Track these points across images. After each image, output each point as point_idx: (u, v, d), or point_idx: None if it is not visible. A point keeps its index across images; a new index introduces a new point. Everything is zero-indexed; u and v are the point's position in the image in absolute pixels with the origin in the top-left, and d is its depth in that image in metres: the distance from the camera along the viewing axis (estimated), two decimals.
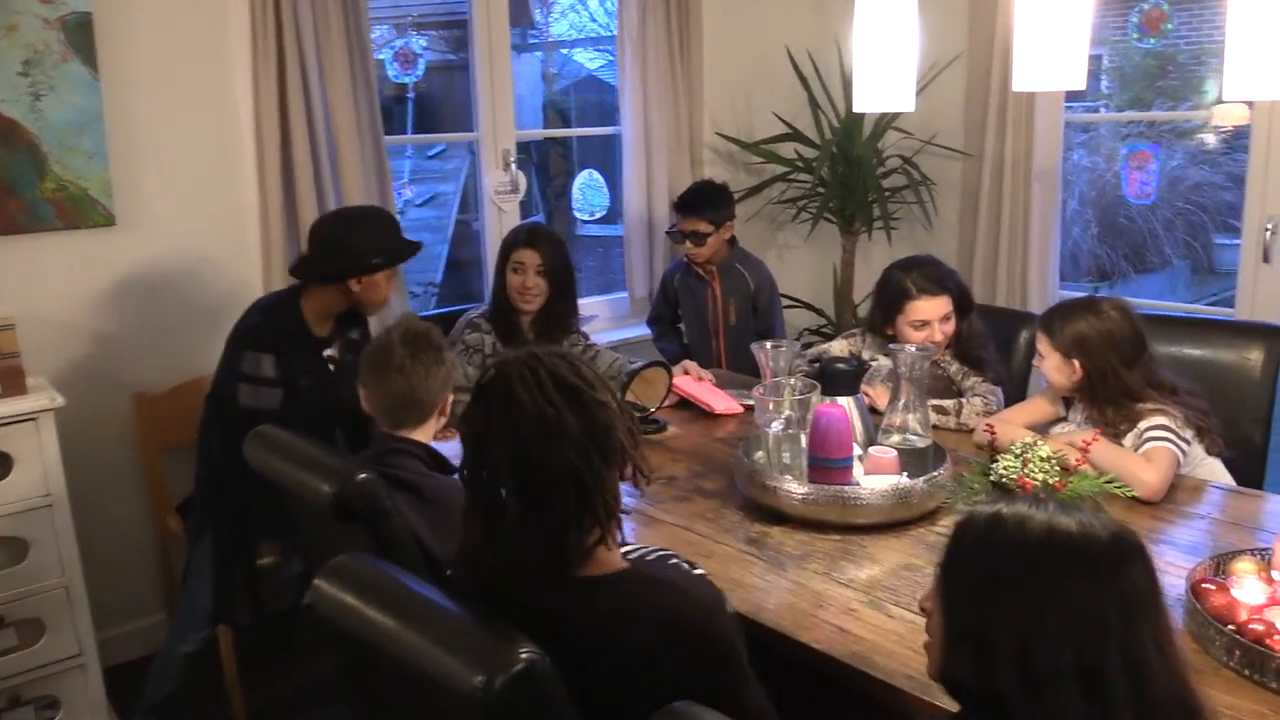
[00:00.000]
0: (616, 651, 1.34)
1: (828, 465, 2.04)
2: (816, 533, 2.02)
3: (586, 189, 4.27)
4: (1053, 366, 2.35)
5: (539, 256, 2.92)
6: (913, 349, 2.20)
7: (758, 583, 1.84)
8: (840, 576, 1.85)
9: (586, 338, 3.13)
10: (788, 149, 4.00)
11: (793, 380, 2.20)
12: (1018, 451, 1.86)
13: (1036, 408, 2.50)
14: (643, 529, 2.09)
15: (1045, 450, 1.85)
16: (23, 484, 2.42)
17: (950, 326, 2.67)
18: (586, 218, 4.37)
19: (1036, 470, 1.82)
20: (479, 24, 3.64)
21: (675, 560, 1.61)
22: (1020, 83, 1.80)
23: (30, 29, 2.68)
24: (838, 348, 2.89)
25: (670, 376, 2.71)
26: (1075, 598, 1.06)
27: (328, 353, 2.64)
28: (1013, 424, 2.42)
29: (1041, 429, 2.47)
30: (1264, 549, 1.74)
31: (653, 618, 1.35)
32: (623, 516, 1.46)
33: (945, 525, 2.03)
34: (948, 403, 2.62)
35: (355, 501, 1.79)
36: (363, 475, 1.81)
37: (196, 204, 3.03)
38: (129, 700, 2.71)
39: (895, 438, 2.24)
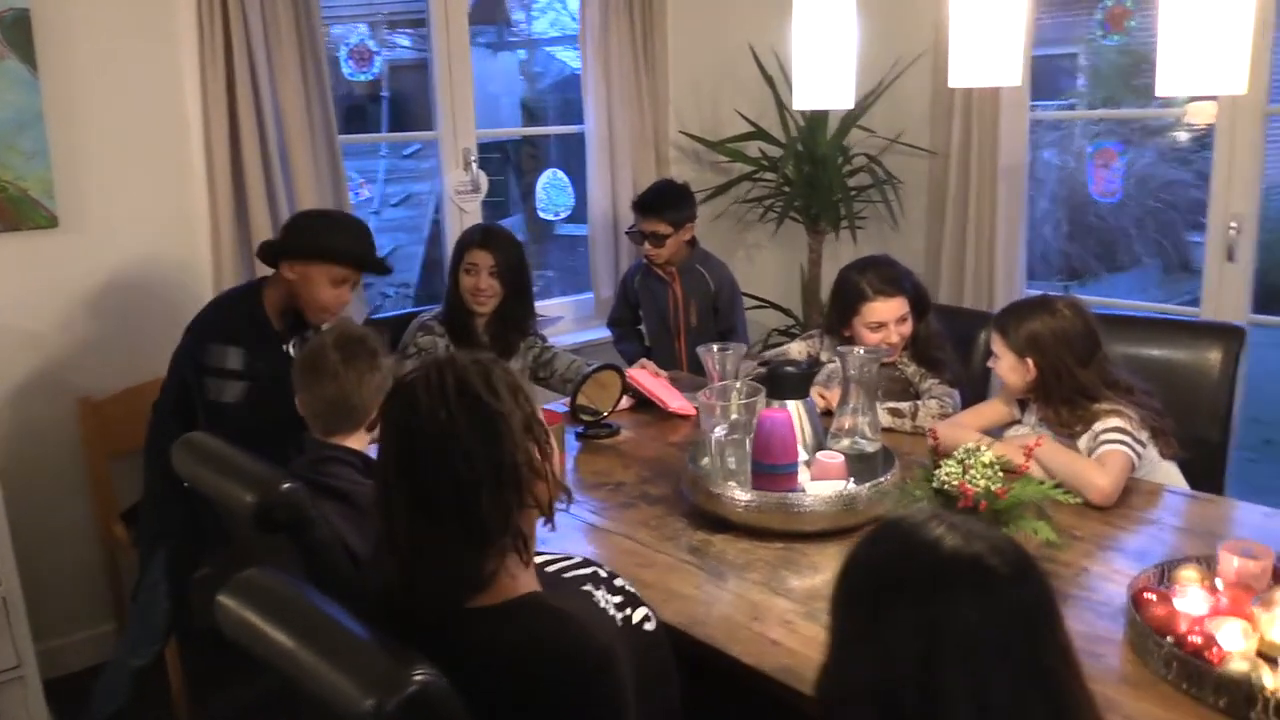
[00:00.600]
0: (499, 683, 1.28)
1: (771, 471, 2.00)
2: (759, 540, 1.97)
3: (551, 188, 4.22)
4: (1007, 366, 2.32)
5: (492, 258, 2.87)
6: (861, 351, 2.17)
7: (696, 594, 1.79)
8: (779, 586, 1.80)
9: (544, 340, 3.08)
10: (754, 148, 3.95)
11: (739, 384, 2.16)
12: (960, 457, 1.82)
13: (991, 410, 2.46)
14: (582, 537, 2.04)
15: (988, 456, 1.81)
16: None
17: (907, 328, 2.63)
18: (552, 217, 4.31)
19: (979, 476, 1.77)
20: (437, 22, 3.59)
21: (593, 577, 1.55)
22: (956, 78, 1.76)
23: None
24: (795, 349, 2.85)
25: (623, 380, 2.66)
26: (926, 618, 1.00)
27: (287, 347, 2.58)
28: (964, 427, 2.38)
29: (996, 432, 2.43)
30: (1209, 556, 1.70)
31: (542, 654, 1.29)
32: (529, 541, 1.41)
33: None
34: (903, 405, 2.58)
35: (278, 511, 1.74)
36: (286, 485, 1.76)
37: (143, 204, 2.97)
38: (73, 714, 2.65)
39: (844, 442, 2.20)
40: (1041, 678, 1.01)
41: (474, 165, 3.69)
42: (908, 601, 1.02)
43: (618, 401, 2.66)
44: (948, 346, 2.66)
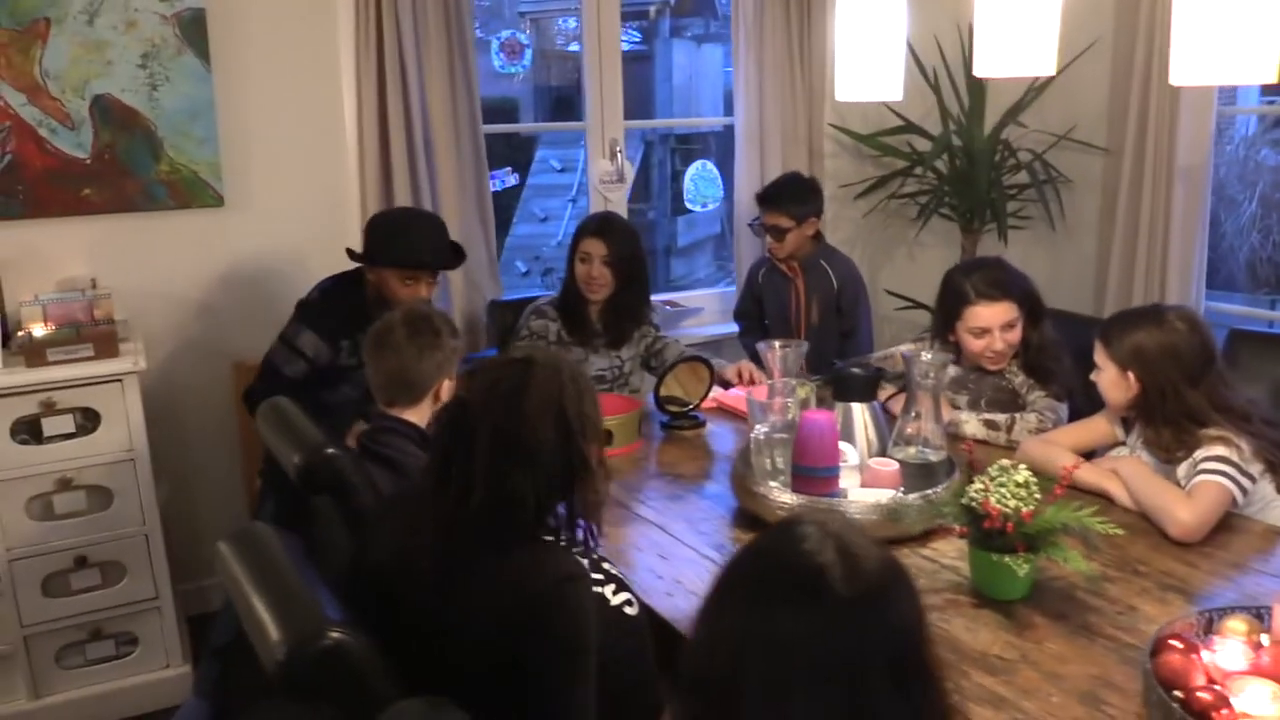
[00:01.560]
0: (470, 620, 1.37)
1: (810, 474, 1.94)
2: None
3: (699, 180, 4.22)
4: (1108, 380, 2.13)
5: (605, 247, 2.92)
6: (927, 355, 2.05)
7: (701, 589, 1.77)
8: None
9: (658, 329, 3.10)
10: (911, 143, 3.79)
11: (794, 382, 2.10)
12: (993, 474, 1.69)
13: (1091, 429, 2.26)
14: (616, 518, 2.05)
15: (1023, 475, 1.67)
16: (109, 439, 2.67)
17: (1014, 335, 2.46)
18: (698, 208, 4.31)
19: (1009, 496, 1.64)
20: (588, 15, 3.66)
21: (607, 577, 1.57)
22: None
23: (148, 24, 2.93)
24: (904, 352, 2.72)
25: (712, 373, 2.64)
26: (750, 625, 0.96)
27: None
28: (1055, 445, 2.21)
29: (1094, 453, 2.24)
30: (1263, 608, 1.51)
31: (508, 582, 1.36)
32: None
33: (935, 548, 1.89)
34: (1000, 417, 2.42)
35: (321, 474, 1.86)
36: (330, 450, 1.88)
37: (300, 188, 3.22)
38: (204, 646, 2.93)
39: (908, 450, 2.10)
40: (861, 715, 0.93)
41: (620, 155, 3.75)
42: (738, 597, 0.99)
43: (705, 394, 2.64)
44: (1064, 357, 2.47)
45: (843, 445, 2.06)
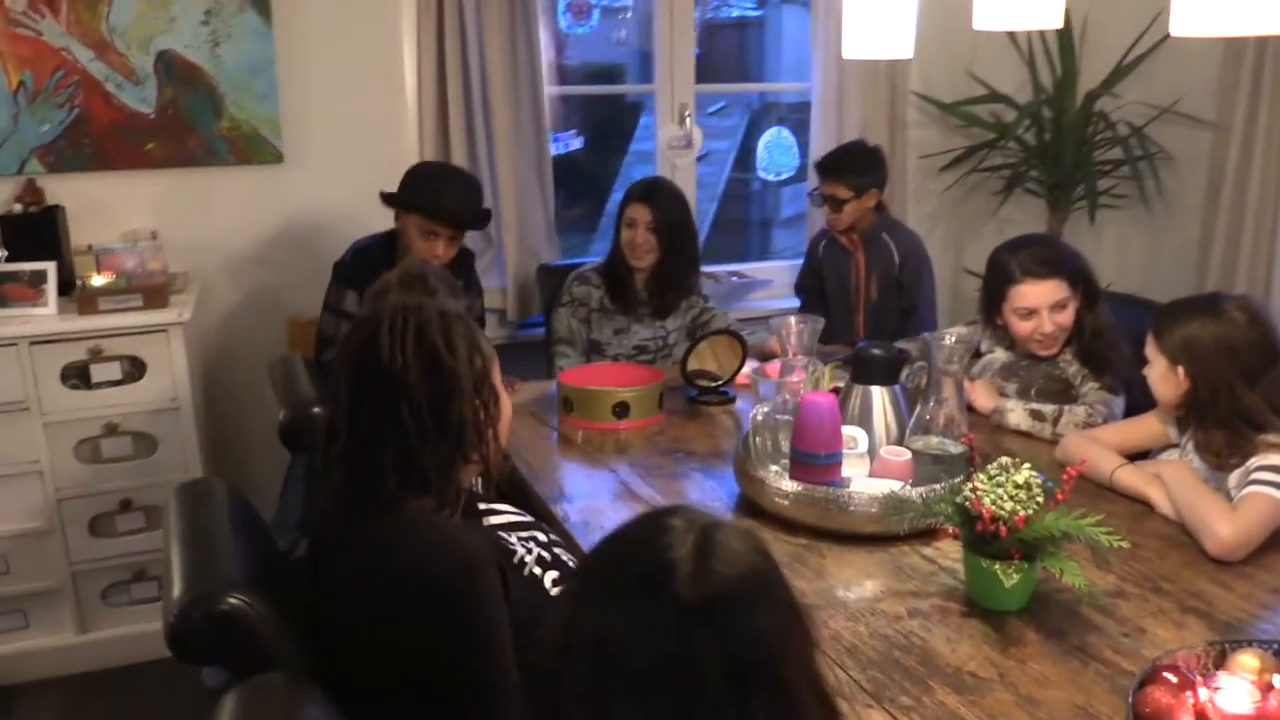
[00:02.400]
0: (375, 596, 1.32)
1: (810, 461, 1.82)
2: (784, 532, 1.81)
3: (773, 148, 4.07)
4: (1157, 375, 1.94)
5: (650, 213, 2.83)
6: (951, 339, 1.89)
7: None
8: None
9: (706, 300, 3.00)
10: (999, 112, 3.55)
11: (808, 360, 1.98)
12: (992, 472, 1.55)
13: (1141, 427, 2.07)
14: (608, 494, 1.98)
15: (1026, 474, 1.52)
16: (154, 387, 2.74)
17: (1064, 317, 2.27)
18: (771, 178, 4.15)
19: (1005, 497, 1.50)
20: None
21: (530, 537, 1.52)
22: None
23: None
24: (956, 335, 2.55)
25: (744, 348, 2.53)
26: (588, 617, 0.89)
27: None
28: (1098, 443, 2.03)
29: (1147, 454, 2.05)
30: (1275, 641, 1.33)
31: (411, 569, 1.32)
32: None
33: (939, 548, 1.75)
34: (1047, 408, 2.24)
35: (302, 432, 1.85)
36: (316, 410, 1.87)
37: (359, 146, 3.22)
38: None
39: (925, 440, 1.95)
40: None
41: (689, 120, 3.64)
42: (583, 586, 0.93)
43: (738, 369, 2.53)
44: (1121, 345, 2.27)
45: (854, 431, 1.94)
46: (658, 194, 2.87)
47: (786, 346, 2.05)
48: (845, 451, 1.88)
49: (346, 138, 3.21)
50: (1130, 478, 1.92)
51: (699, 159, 7.89)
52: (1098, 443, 2.03)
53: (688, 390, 2.51)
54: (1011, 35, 3.30)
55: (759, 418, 1.86)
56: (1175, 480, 1.84)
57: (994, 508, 1.49)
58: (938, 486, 1.74)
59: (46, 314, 2.68)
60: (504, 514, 1.57)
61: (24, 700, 2.71)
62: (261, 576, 1.34)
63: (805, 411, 1.81)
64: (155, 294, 2.75)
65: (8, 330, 2.61)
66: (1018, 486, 1.51)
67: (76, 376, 2.68)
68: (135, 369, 2.73)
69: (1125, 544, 1.50)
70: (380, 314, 1.44)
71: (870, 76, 3.60)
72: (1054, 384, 2.33)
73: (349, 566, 1.37)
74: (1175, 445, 2.01)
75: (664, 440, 2.28)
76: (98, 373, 2.69)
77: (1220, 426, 1.84)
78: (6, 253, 2.77)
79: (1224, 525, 1.69)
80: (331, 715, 1.06)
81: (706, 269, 3.75)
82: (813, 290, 3.26)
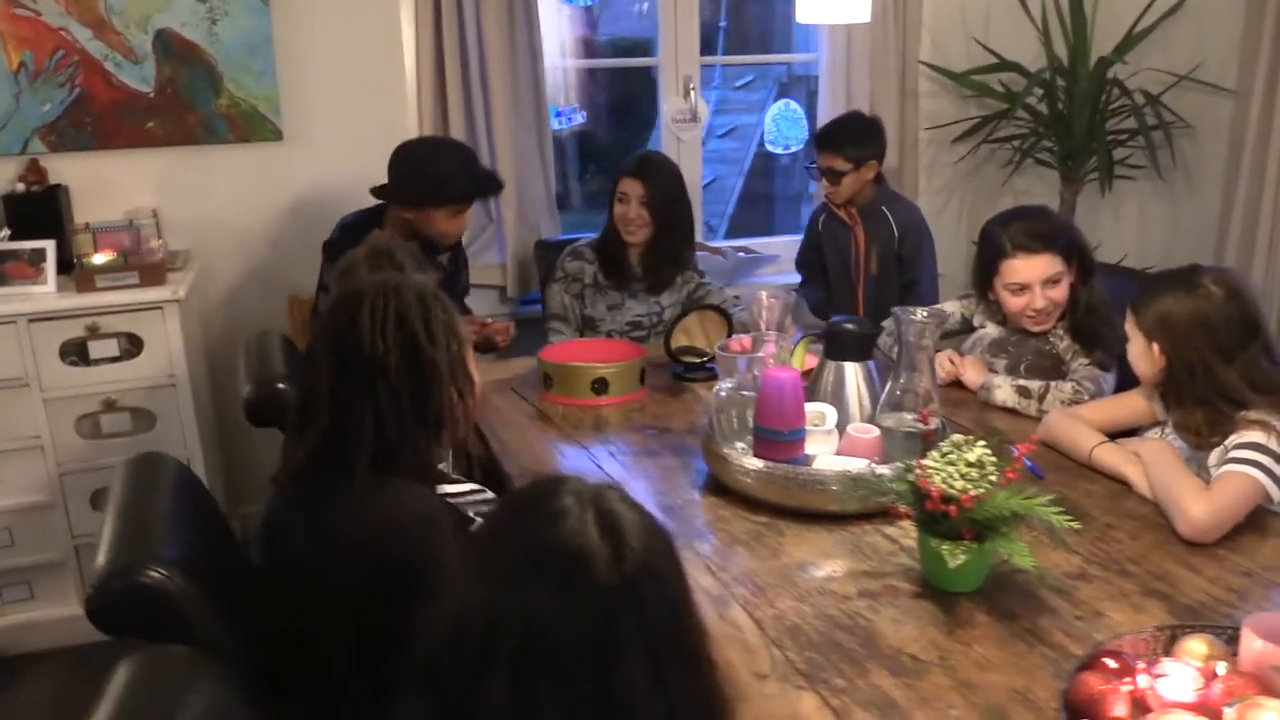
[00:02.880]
0: (333, 550, 1.34)
1: (772, 437, 1.79)
2: (744, 509, 1.79)
3: (781, 120, 4.00)
4: (1136, 352, 1.88)
5: (642, 187, 2.80)
6: (922, 314, 1.84)
7: None
8: (718, 563, 1.62)
9: (702, 275, 2.97)
10: (1011, 81, 3.45)
11: (775, 336, 1.94)
12: (944, 449, 1.50)
13: (1126, 405, 2.00)
14: (569, 467, 1.95)
15: (979, 452, 1.47)
16: (151, 364, 2.77)
17: (1057, 292, 2.21)
18: (780, 150, 4.09)
19: (956, 476, 1.45)
20: None
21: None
22: None
23: None
24: (949, 309, 2.50)
25: (730, 324, 2.49)
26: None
27: None
28: (1079, 420, 1.97)
29: (1132, 433, 1.98)
30: (1235, 629, 1.28)
31: (373, 522, 1.34)
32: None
33: (904, 527, 1.71)
34: (1034, 384, 2.18)
35: (265, 408, 1.86)
36: (281, 385, 1.87)
37: (357, 123, 3.21)
38: None
39: (900, 417, 1.90)
40: (615, 714, 0.84)
41: (694, 93, 3.58)
42: (496, 570, 0.89)
43: None
44: (1115, 321, 2.18)
45: (822, 407, 1.90)
46: (650, 168, 2.83)
47: (758, 321, 2.01)
48: (812, 428, 1.85)
49: (345, 114, 3.20)
50: (1109, 456, 1.87)
51: (723, 134, 7.82)
52: (1079, 420, 1.97)
53: (673, 367, 2.48)
54: (1023, 2, 3.19)
55: (722, 394, 1.83)
56: (1152, 459, 1.78)
57: (944, 486, 1.45)
58: (897, 465, 1.70)
59: (46, 291, 2.72)
60: (463, 485, 1.57)
61: (29, 669, 2.77)
62: (196, 554, 1.35)
63: (766, 387, 1.78)
64: (152, 272, 2.78)
65: (7, 308, 2.65)
66: (969, 465, 1.47)
67: (75, 353, 2.72)
68: (133, 346, 2.76)
69: (1076, 525, 1.45)
70: (359, 294, 1.44)
71: (879, 46, 3.52)
72: (1044, 360, 2.27)
73: (306, 526, 1.38)
74: (1162, 424, 1.95)
75: (642, 417, 2.26)
76: (96, 349, 2.73)
77: (1199, 404, 1.78)
78: (10, 231, 2.82)
79: (1196, 505, 1.63)
80: (230, 691, 1.06)
81: (714, 244, 3.73)
82: (813, 265, 3.20)
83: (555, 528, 0.88)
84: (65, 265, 2.80)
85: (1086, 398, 2.12)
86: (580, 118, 3.73)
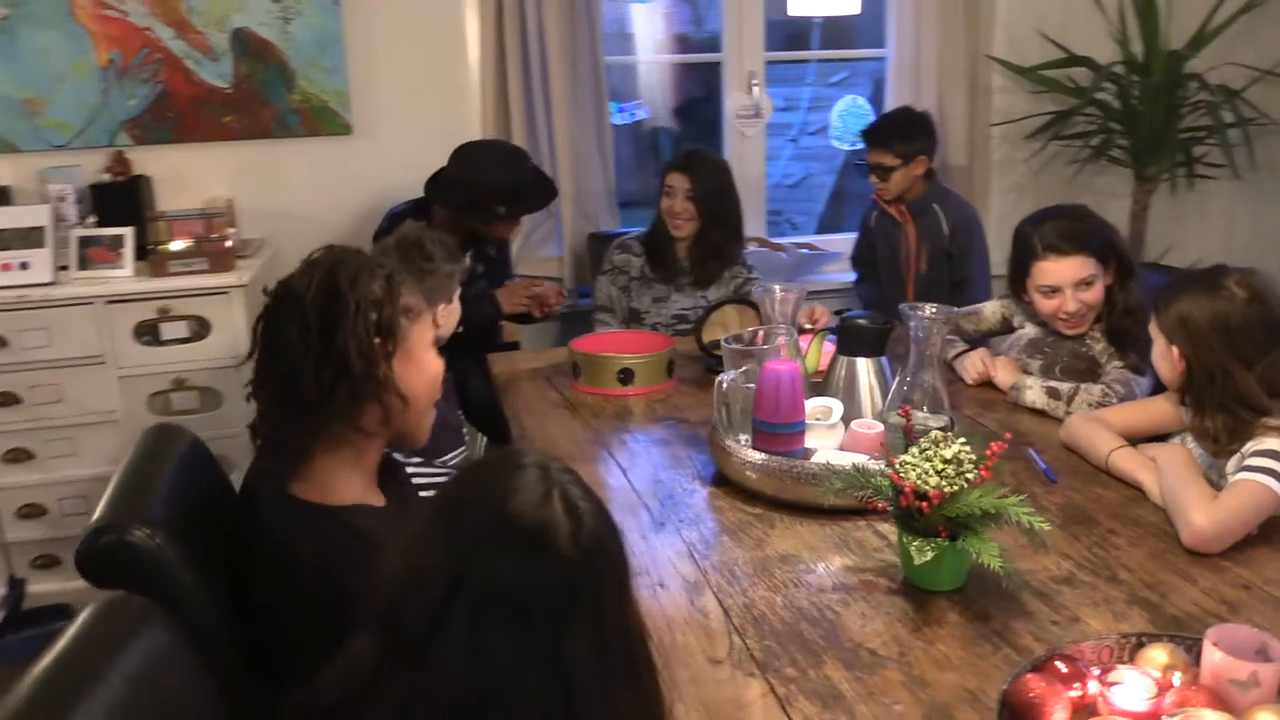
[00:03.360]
0: (280, 585, 1.36)
1: (771, 430, 1.79)
2: (742, 500, 1.79)
3: (849, 116, 3.95)
4: (1157, 354, 1.81)
5: (688, 181, 2.82)
6: (931, 310, 1.81)
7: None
8: (702, 551, 1.64)
9: (750, 270, 2.96)
10: (1084, 77, 3.33)
11: (785, 328, 1.94)
12: (923, 445, 1.48)
13: (1150, 409, 1.93)
14: (586, 460, 1.98)
15: (955, 449, 1.45)
16: (217, 345, 2.91)
17: (1091, 295, 2.14)
18: (846, 147, 4.03)
19: (930, 472, 1.43)
20: None
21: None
22: None
23: None
24: (989, 309, 2.45)
25: (759, 316, 2.48)
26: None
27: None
28: (1101, 423, 1.91)
29: (1152, 438, 1.91)
30: (1199, 640, 1.23)
31: (296, 567, 1.34)
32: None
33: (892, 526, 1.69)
34: (1064, 386, 2.12)
35: None
36: None
37: (424, 116, 3.32)
38: None
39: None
40: (557, 671, 0.92)
41: (756, 89, 3.57)
42: (458, 535, 0.97)
43: None
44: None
45: (829, 401, 1.90)
46: (696, 162, 2.84)
47: (771, 314, 2.01)
48: (814, 422, 1.84)
49: (411, 109, 3.31)
50: (1125, 461, 1.81)
51: (816, 131, 7.71)
52: (1100, 423, 1.91)
53: (705, 360, 2.49)
54: None
55: (724, 385, 1.84)
56: (1166, 465, 1.72)
57: (918, 482, 1.44)
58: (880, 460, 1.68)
59: (123, 275, 2.89)
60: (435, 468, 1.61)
61: None
62: (187, 518, 1.43)
63: (765, 380, 1.78)
64: (220, 258, 2.93)
65: (88, 290, 2.83)
66: (945, 461, 1.44)
67: (148, 334, 2.89)
68: (201, 328, 2.91)
69: (1047, 525, 1.41)
70: (312, 261, 1.47)
71: (948, 41, 3.46)
72: (1079, 362, 2.20)
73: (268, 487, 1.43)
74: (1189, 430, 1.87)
75: (664, 408, 2.27)
76: (167, 330, 2.89)
77: (1219, 410, 1.70)
78: (95, 218, 3.01)
79: (1199, 513, 1.56)
80: (174, 638, 1.12)
81: (775, 240, 3.71)
82: (867, 262, 3.16)
83: (518, 499, 0.97)
84: (145, 251, 2.97)
85: (1115, 401, 2.05)
86: (643, 112, 3.76)
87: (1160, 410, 1.90)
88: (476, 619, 0.92)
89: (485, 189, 2.73)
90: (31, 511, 2.91)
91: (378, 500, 1.48)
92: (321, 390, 1.37)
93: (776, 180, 7.25)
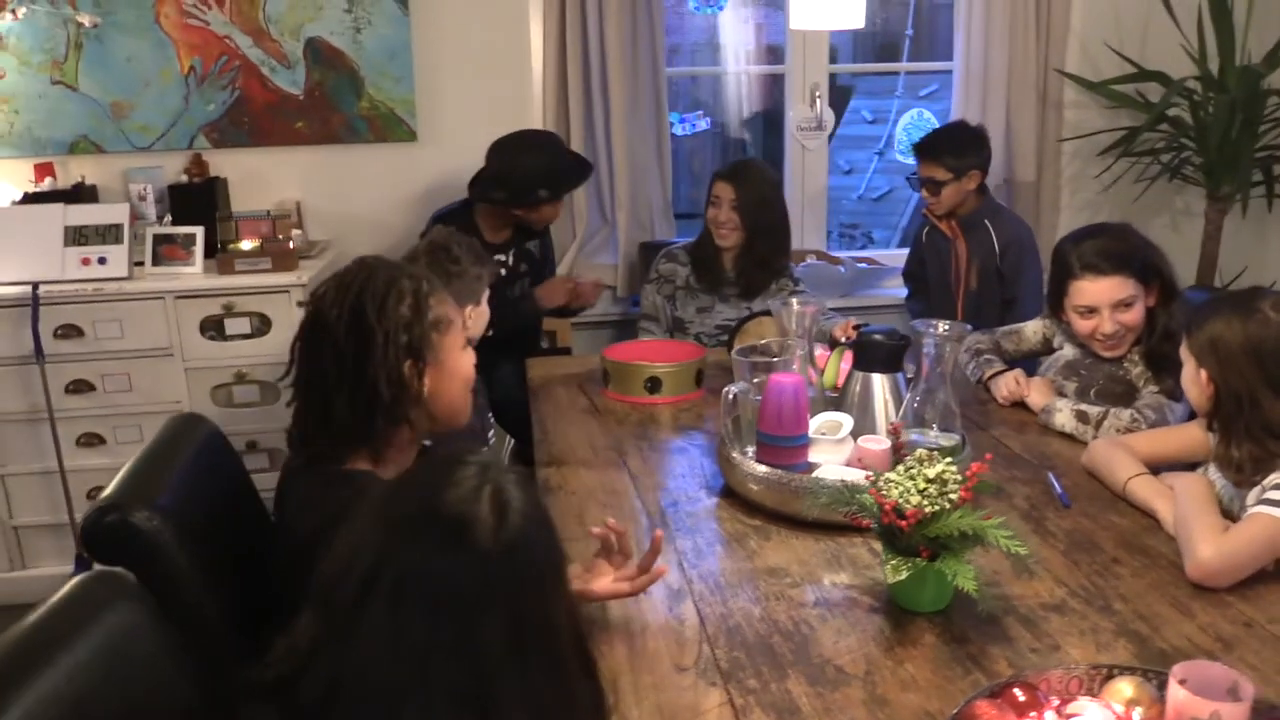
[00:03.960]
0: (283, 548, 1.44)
1: (774, 443, 1.78)
2: (743, 512, 1.79)
3: (915, 130, 3.88)
4: (1187, 377, 1.75)
5: (734, 191, 2.82)
6: (944, 329, 1.78)
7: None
8: (692, 560, 1.64)
9: (796, 283, 2.94)
10: (1156, 92, 3.22)
11: (798, 342, 1.93)
12: (908, 465, 1.46)
13: (1178, 436, 1.86)
14: (601, 466, 2.00)
15: (939, 468, 1.42)
16: (276, 341, 3.03)
17: (1130, 316, 2.07)
18: (910, 161, 3.95)
19: (912, 491, 1.41)
20: None
21: None
22: None
23: None
24: (1030, 329, 2.39)
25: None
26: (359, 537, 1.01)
27: (499, 258, 2.87)
28: (1124, 448, 1.85)
29: (1182, 466, 1.84)
30: (1164, 673, 1.18)
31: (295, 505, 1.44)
32: None
33: None
34: (1094, 410, 2.05)
35: None
36: None
37: (487, 126, 3.33)
38: None
39: (923, 432, 1.85)
40: (472, 660, 0.95)
41: (820, 102, 3.55)
42: (388, 523, 1.01)
43: None
44: None
45: (839, 416, 1.88)
46: (743, 173, 2.85)
47: (788, 327, 2.00)
48: (820, 436, 1.83)
49: (475, 118, 3.38)
50: (1142, 489, 1.74)
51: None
52: (1123, 449, 1.85)
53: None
54: (1169, 7, 2.98)
55: (730, 397, 1.84)
56: (1181, 494, 1.65)
57: (900, 500, 1.42)
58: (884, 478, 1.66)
59: (193, 272, 3.04)
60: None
61: None
62: (196, 506, 1.50)
63: (769, 392, 1.77)
64: (284, 258, 3.05)
65: (160, 285, 2.98)
66: (929, 480, 1.42)
67: (213, 329, 3.02)
68: (263, 324, 3.04)
69: (1024, 550, 1.37)
70: (345, 272, 1.57)
71: (1018, 54, 3.38)
72: (1116, 385, 2.13)
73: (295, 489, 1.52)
74: None
75: (689, 418, 2.28)
76: (231, 326, 3.02)
77: (1248, 439, 1.63)
78: (171, 217, 3.17)
79: (1206, 546, 1.50)
80: (146, 613, 1.19)
81: (834, 253, 3.68)
82: (919, 278, 3.11)
83: (450, 491, 1.00)
84: (216, 249, 3.10)
85: (1144, 426, 1.97)
86: (705, 123, 3.77)
87: (1190, 437, 1.83)
88: (396, 601, 0.95)
89: (524, 176, 2.83)
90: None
91: None
92: (356, 418, 1.48)
93: (861, 193, 7.17)
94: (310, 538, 1.35)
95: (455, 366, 1.57)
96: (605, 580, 1.43)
